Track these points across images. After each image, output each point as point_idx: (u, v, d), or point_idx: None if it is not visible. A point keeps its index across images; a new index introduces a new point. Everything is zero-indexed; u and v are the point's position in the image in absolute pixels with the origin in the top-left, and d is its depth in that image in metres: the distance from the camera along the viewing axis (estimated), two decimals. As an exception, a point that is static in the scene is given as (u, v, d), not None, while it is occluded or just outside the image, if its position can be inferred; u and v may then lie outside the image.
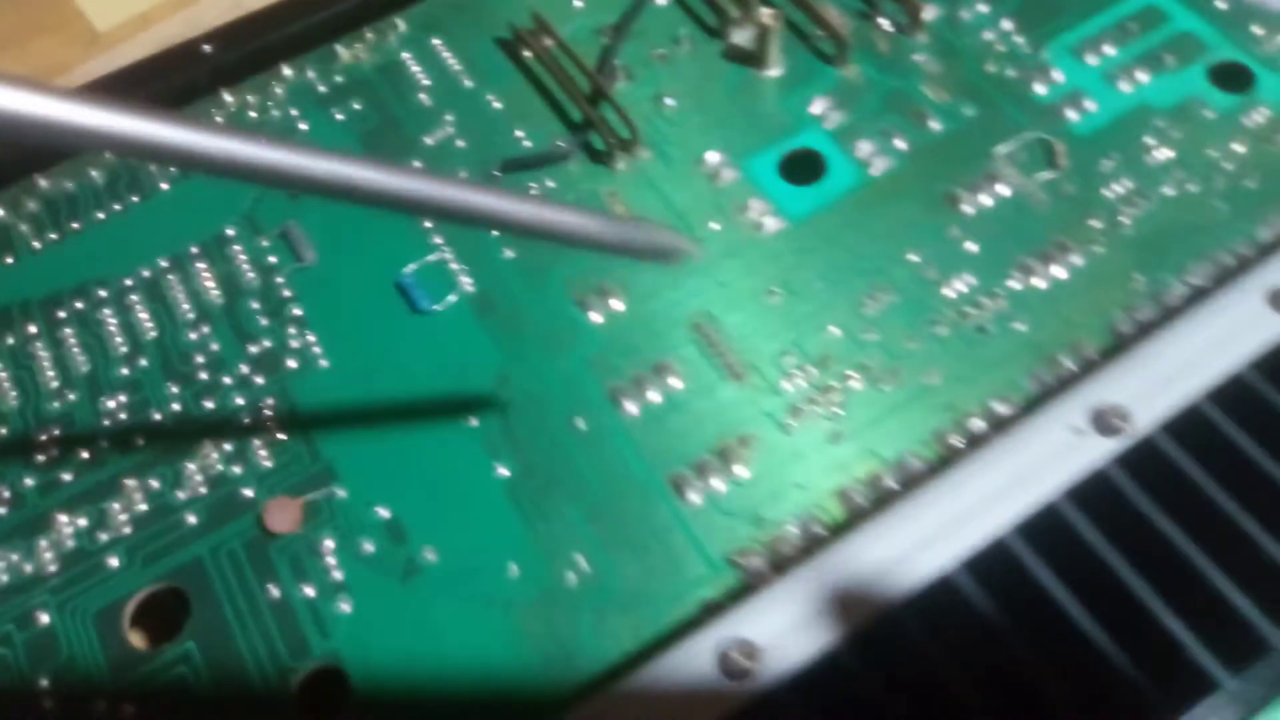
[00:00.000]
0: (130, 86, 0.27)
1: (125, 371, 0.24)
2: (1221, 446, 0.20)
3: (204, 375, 0.24)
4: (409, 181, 0.16)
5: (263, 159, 0.15)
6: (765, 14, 0.27)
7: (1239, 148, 0.26)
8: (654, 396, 0.23)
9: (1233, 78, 0.27)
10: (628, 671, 0.19)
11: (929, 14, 0.29)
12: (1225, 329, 0.21)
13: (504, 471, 0.22)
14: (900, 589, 0.19)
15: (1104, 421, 0.20)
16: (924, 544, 0.19)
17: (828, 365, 0.23)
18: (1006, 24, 0.28)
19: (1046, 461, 0.20)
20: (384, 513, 0.22)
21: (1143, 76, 0.27)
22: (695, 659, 0.18)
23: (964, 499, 0.20)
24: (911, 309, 0.24)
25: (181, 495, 0.23)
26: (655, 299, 0.24)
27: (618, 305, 0.24)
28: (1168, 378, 0.21)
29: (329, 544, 0.22)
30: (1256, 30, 0.28)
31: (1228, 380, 0.21)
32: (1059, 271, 0.24)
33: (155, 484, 0.23)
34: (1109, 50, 0.28)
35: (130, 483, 0.23)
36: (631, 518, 0.21)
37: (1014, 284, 0.24)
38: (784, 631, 0.19)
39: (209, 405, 0.24)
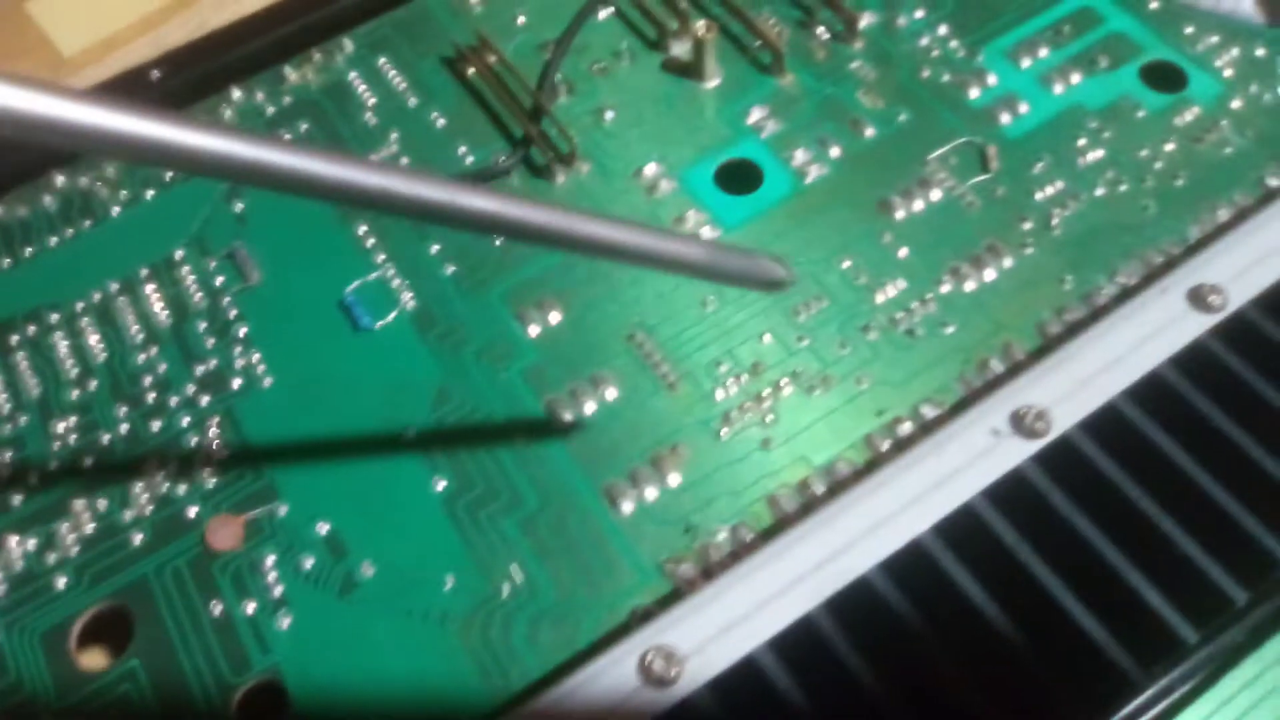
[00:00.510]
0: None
1: (76, 394, 0.25)
2: (1139, 445, 0.21)
3: (152, 397, 0.25)
4: (495, 204, 0.16)
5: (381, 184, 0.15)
6: (700, 26, 0.27)
7: (1169, 147, 0.26)
8: (590, 407, 0.23)
9: (1165, 77, 0.28)
10: (557, 681, 0.19)
11: (865, 21, 0.29)
12: (1146, 329, 0.22)
13: (442, 485, 0.23)
14: (820, 593, 0.19)
15: (1023, 423, 0.21)
16: (845, 547, 0.20)
17: (760, 373, 0.23)
18: (942, 29, 0.29)
19: (966, 464, 0.20)
20: (324, 528, 0.22)
21: (1076, 78, 0.28)
22: (619, 667, 0.19)
23: (884, 503, 0.20)
24: (843, 315, 0.24)
25: (129, 515, 0.23)
26: (593, 311, 0.25)
27: (555, 318, 0.25)
28: (1087, 378, 0.21)
29: (270, 560, 0.22)
30: (1188, 30, 0.28)
31: (1146, 379, 0.21)
32: (989, 274, 0.25)
33: (103, 504, 0.23)
34: (1043, 53, 0.28)
35: (79, 504, 0.23)
36: (566, 528, 0.22)
37: (945, 288, 0.24)
38: (707, 638, 0.19)
39: (156, 426, 0.24)
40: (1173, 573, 0.19)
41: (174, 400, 0.24)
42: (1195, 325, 0.22)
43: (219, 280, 0.26)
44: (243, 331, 0.25)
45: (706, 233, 0.26)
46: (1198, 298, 0.22)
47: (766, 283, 0.21)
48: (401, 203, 0.15)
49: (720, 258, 0.20)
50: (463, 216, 0.16)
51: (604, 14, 0.30)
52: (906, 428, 0.23)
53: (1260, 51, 0.28)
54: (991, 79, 0.28)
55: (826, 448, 0.22)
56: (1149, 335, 0.22)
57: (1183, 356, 0.22)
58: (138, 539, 0.23)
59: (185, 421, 0.24)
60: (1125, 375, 0.21)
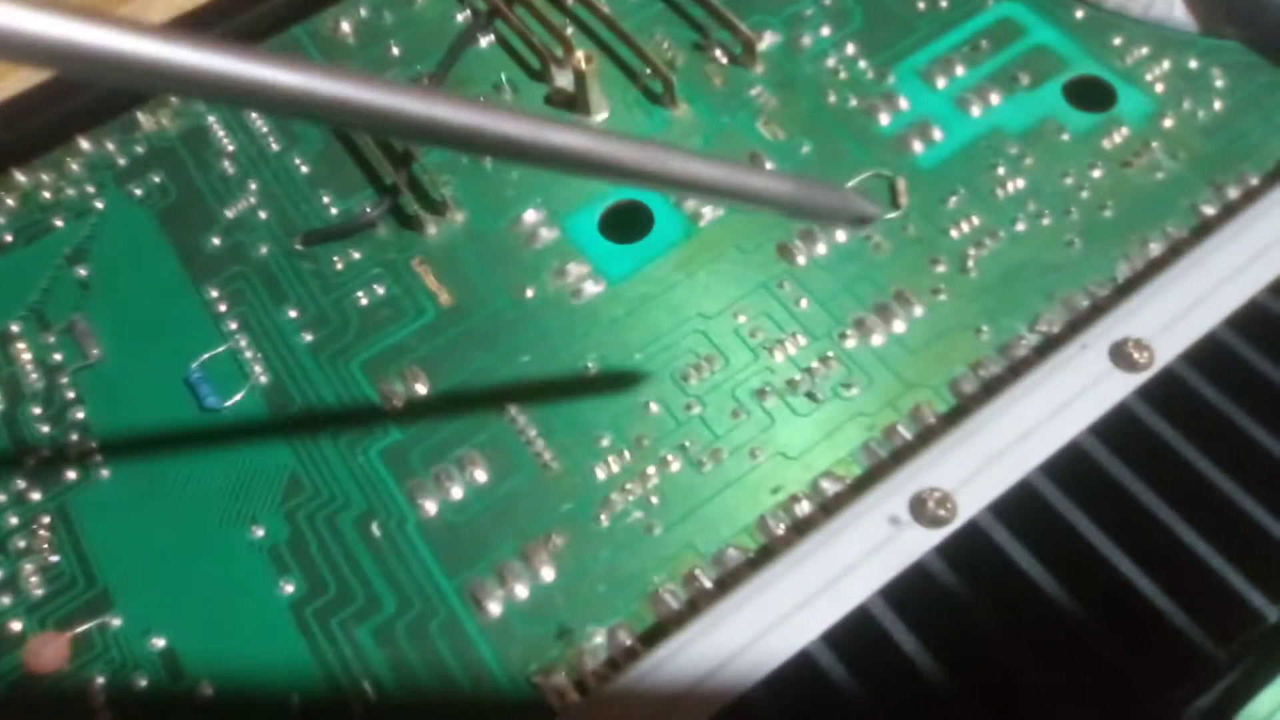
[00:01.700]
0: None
1: (-109, 494, 0.22)
2: (1055, 526, 0.19)
3: (-24, 494, 0.22)
4: (581, 140, 0.15)
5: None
6: (579, 58, 0.25)
7: (1096, 173, 0.24)
8: (455, 492, 0.21)
9: (1092, 94, 0.25)
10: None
11: (766, 42, 0.27)
12: (1066, 392, 0.19)
13: (289, 589, 0.20)
14: (701, 711, 0.17)
15: (925, 509, 0.18)
16: (731, 657, 0.18)
17: (644, 446, 0.21)
18: (850, 48, 0.26)
19: (863, 557, 0.18)
20: (160, 642, 0.20)
21: (995, 98, 0.25)
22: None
23: (773, 604, 0.18)
24: (737, 378, 0.22)
25: (-56, 635, 0.20)
26: (463, 381, 0.22)
27: (420, 389, 0.22)
28: (999, 452, 0.19)
29: (99, 682, 0.20)
30: (1116, 42, 0.26)
31: (1064, 450, 0.19)
32: (898, 325, 0.22)
33: (-84, 623, 0.21)
34: (959, 71, 0.26)
35: (-109, 622, 0.21)
36: (427, 636, 0.20)
37: (849, 343, 0.22)
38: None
39: (-22, 529, 0.22)
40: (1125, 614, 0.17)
41: (1, 496, 0.22)
42: (1119, 386, 0.19)
43: (57, 357, 0.24)
44: (80, 415, 0.23)
45: (589, 288, 0.23)
46: (1121, 354, 0.20)
47: (855, 218, 0.19)
48: (482, 138, 0.14)
49: (807, 193, 0.18)
50: (544, 153, 0.15)
51: (485, 42, 0.28)
52: (804, 508, 0.20)
53: (1193, 63, 0.26)
54: (903, 103, 0.25)
55: (715, 532, 0.20)
56: (1068, 400, 0.19)
57: (1105, 423, 0.19)
58: (-47, 661, 0.20)
59: (12, 521, 0.22)
60: (1040, 447, 0.19)
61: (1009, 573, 0.18)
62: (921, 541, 0.18)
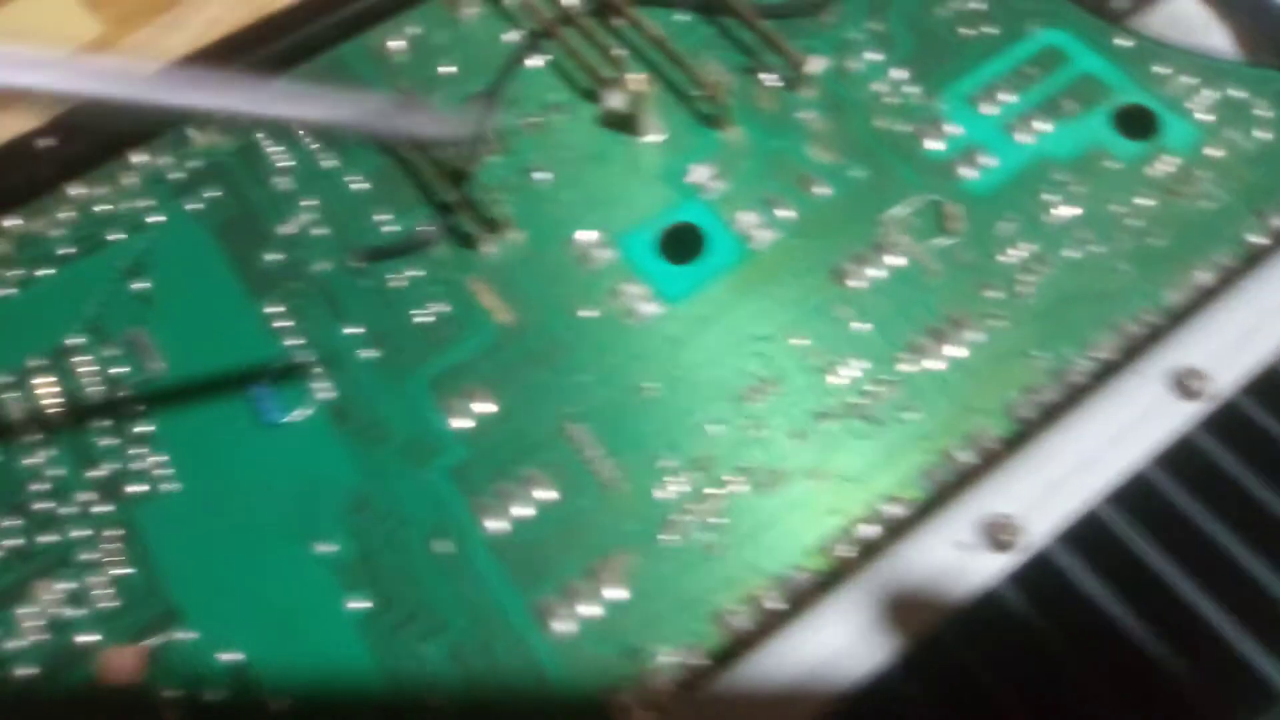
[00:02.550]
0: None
1: (-43, 506, 0.22)
2: (1125, 557, 0.19)
3: (42, 505, 0.22)
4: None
5: None
6: (636, 80, 0.25)
7: (1145, 201, 0.24)
8: (521, 511, 0.21)
9: (1137, 123, 0.26)
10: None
11: (815, 66, 0.27)
12: (1126, 421, 0.20)
13: (359, 605, 0.21)
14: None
15: (994, 534, 0.19)
16: (810, 676, 0.18)
17: (707, 468, 0.22)
18: (898, 73, 0.27)
19: (929, 580, 0.18)
20: (230, 657, 0.20)
21: (1043, 125, 0.26)
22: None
23: (849, 625, 0.18)
24: (797, 400, 0.22)
25: (13, 645, 0.21)
26: (525, 400, 0.23)
27: (485, 408, 0.23)
28: (1061, 480, 0.19)
29: (171, 695, 0.20)
30: (1160, 70, 0.26)
31: (1130, 480, 0.19)
32: (955, 350, 0.23)
33: (-15, 634, 0.21)
34: (1007, 98, 0.26)
35: (-41, 633, 0.21)
36: (494, 654, 0.20)
37: (906, 367, 0.22)
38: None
39: (48, 539, 0.22)
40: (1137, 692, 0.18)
41: (67, 510, 0.22)
42: (1179, 415, 0.20)
43: (118, 370, 0.24)
44: (144, 428, 0.23)
45: (647, 309, 0.24)
46: (1180, 383, 0.20)
47: (443, 140, 0.19)
48: None
49: (374, 119, 0.19)
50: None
51: (534, 62, 0.28)
52: (868, 531, 0.21)
53: (1237, 92, 0.26)
54: (952, 128, 0.26)
55: (780, 554, 0.21)
56: (1128, 430, 0.20)
57: (1170, 453, 0.20)
58: (24, 672, 0.20)
59: (82, 534, 0.22)
60: (1105, 477, 0.19)
61: (1073, 596, 0.19)
62: (989, 566, 0.18)
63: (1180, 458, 0.20)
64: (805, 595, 0.20)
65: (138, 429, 0.23)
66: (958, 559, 0.19)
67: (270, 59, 0.28)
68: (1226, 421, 0.20)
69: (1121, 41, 0.27)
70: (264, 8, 0.38)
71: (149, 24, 0.38)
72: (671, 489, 0.21)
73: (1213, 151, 0.25)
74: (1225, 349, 0.20)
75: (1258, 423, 0.20)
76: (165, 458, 0.23)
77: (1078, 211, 0.24)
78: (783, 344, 0.23)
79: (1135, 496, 0.19)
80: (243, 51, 0.28)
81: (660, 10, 0.28)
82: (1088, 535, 0.19)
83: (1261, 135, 0.25)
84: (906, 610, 0.18)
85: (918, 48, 0.27)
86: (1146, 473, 0.19)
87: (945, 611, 0.18)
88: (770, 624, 0.19)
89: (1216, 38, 0.27)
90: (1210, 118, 0.26)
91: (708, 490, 0.21)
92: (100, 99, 0.15)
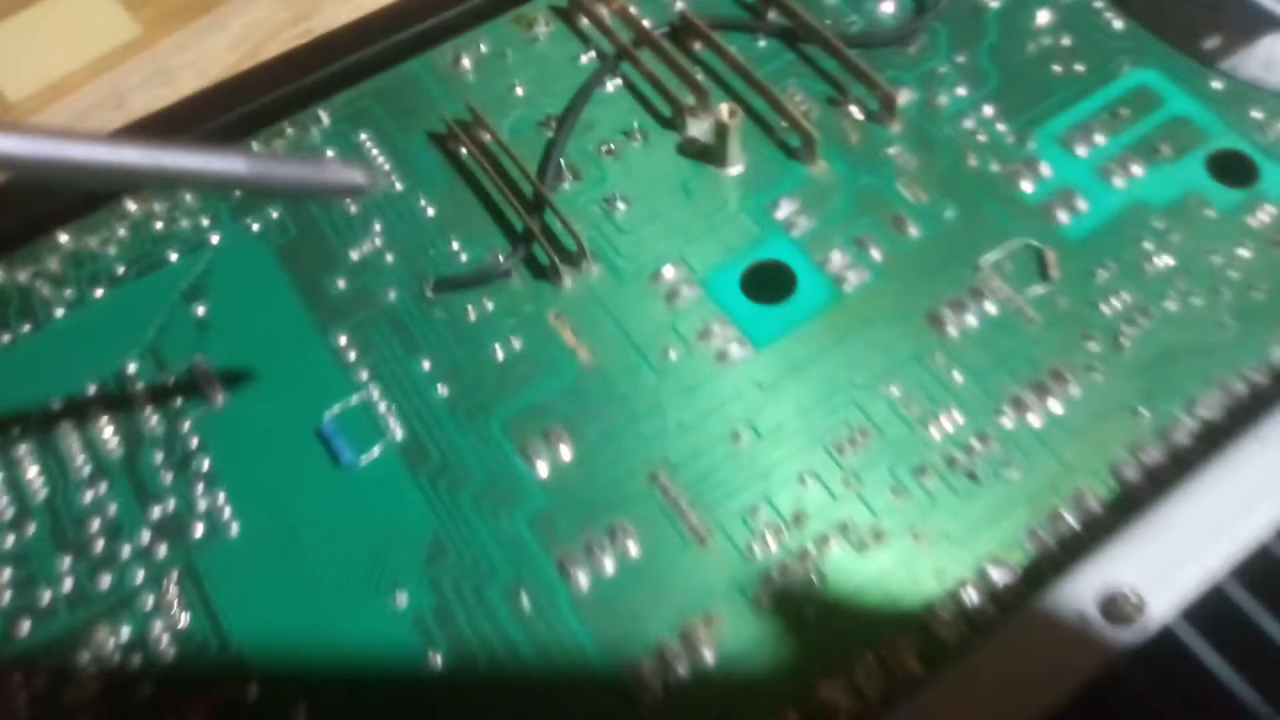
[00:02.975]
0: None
1: (10, 542, 0.21)
2: (1252, 635, 0.18)
3: (100, 545, 0.21)
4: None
5: None
6: (723, 110, 0.24)
7: (1244, 252, 0.24)
8: (607, 565, 0.20)
9: (1234, 169, 0.25)
10: None
11: (903, 98, 0.26)
12: (1250, 490, 0.19)
13: (438, 662, 0.20)
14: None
15: (1115, 609, 0.18)
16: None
17: (803, 524, 0.21)
18: (987, 109, 0.26)
19: (1050, 658, 0.18)
20: (299, 712, 0.19)
21: (1137, 169, 0.25)
22: None
23: (960, 705, 0.17)
24: (894, 453, 0.21)
25: (70, 695, 0.20)
26: (608, 445, 0.22)
27: (566, 453, 0.22)
28: (1184, 552, 0.18)
29: (240, 755, 0.19)
30: (1256, 115, 0.26)
31: (1254, 555, 0.19)
32: (1054, 405, 0.22)
33: (41, 681, 0.20)
34: (1099, 139, 0.25)
35: (14, 678, 0.20)
36: (585, 718, 0.19)
37: (1006, 421, 0.22)
38: None
39: (106, 582, 0.21)
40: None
41: (126, 550, 0.21)
42: (1302, 486, 0.19)
43: (178, 401, 0.23)
44: (205, 465, 0.22)
45: (735, 351, 0.23)
46: (1301, 453, 0.19)
47: (342, 190, 0.19)
48: None
49: (266, 170, 0.18)
50: None
51: (612, 85, 0.27)
52: (973, 596, 0.20)
53: (1335, 140, 0.25)
54: (1045, 169, 0.25)
55: (881, 622, 0.20)
56: (1252, 496, 0.19)
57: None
58: (82, 724, 0.19)
59: (139, 577, 0.21)
60: (1231, 547, 0.18)
61: (1197, 673, 0.18)
62: (1113, 641, 0.18)
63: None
64: (906, 676, 0.19)
65: (198, 465, 0.22)
66: (1075, 635, 0.18)
67: (328, 76, 0.27)
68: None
69: (1215, 83, 0.26)
70: (306, 14, 0.37)
71: (188, 25, 0.37)
72: (768, 545, 0.20)
73: (1313, 202, 0.24)
74: (1349, 417, 0.20)
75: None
76: (225, 496, 0.22)
77: (1176, 261, 0.24)
78: (878, 392, 0.22)
79: (1258, 571, 0.19)
80: (301, 69, 0.27)
81: (741, 35, 0.27)
82: (1211, 611, 0.18)
83: (1362, 186, 0.24)
84: (1021, 690, 0.17)
85: (1006, 83, 0.26)
86: (1272, 546, 0.19)
87: (1062, 692, 0.17)
88: (869, 693, 0.18)
89: (1311, 82, 0.26)
90: (1309, 166, 0.25)
91: (805, 547, 0.20)
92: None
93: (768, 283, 0.24)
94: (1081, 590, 0.18)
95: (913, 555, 0.20)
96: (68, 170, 0.15)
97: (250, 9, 0.37)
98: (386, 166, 0.26)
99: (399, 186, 0.26)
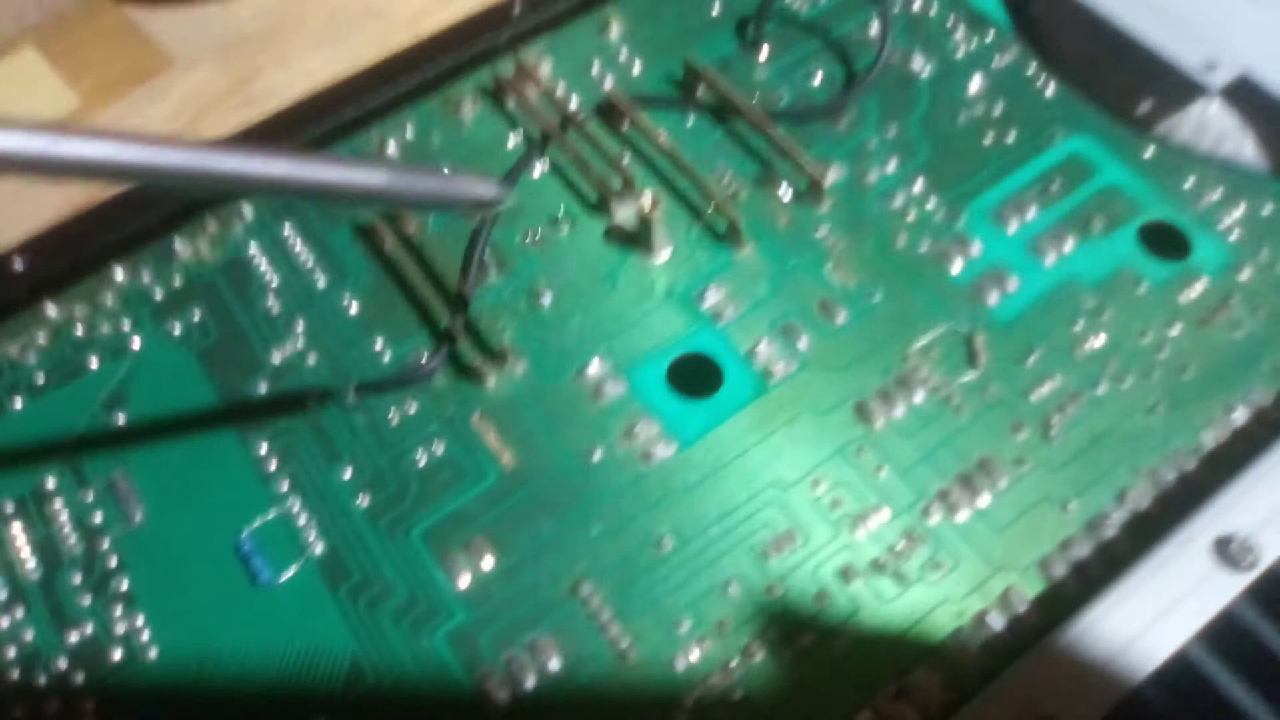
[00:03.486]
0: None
1: (-76, 672, 0.21)
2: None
3: (15, 674, 0.21)
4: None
5: None
6: (646, 201, 0.24)
7: (1175, 331, 0.23)
8: (529, 681, 0.20)
9: (1167, 241, 0.25)
10: None
11: (832, 176, 0.26)
12: (1172, 595, 0.19)
13: (357, 792, 0.19)
14: None
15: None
16: None
17: (725, 633, 0.20)
18: (918, 184, 0.26)
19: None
20: None
21: (1069, 244, 0.25)
22: None
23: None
24: (821, 557, 0.21)
25: (-15, 836, 0.19)
26: (530, 554, 0.21)
27: (488, 563, 0.21)
28: (1105, 661, 0.18)
29: None
30: (1188, 184, 0.25)
31: (1173, 658, 0.18)
32: (982, 500, 0.22)
33: (-45, 822, 0.19)
34: (1031, 213, 0.25)
35: (-73, 818, 0.20)
36: None
37: (933, 519, 0.21)
38: None
39: (19, 715, 0.20)
40: None
41: (42, 679, 0.21)
42: (1227, 589, 0.19)
43: (97, 518, 0.22)
44: (124, 585, 0.22)
45: (660, 450, 0.22)
46: (1223, 553, 0.19)
47: (472, 203, 0.19)
48: None
49: (407, 181, 0.18)
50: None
51: (539, 170, 0.27)
52: (901, 710, 0.19)
53: (1267, 209, 0.25)
54: (975, 248, 0.25)
55: (804, 733, 0.19)
56: (1173, 605, 0.19)
57: (1214, 628, 0.19)
58: None
59: (54, 708, 0.20)
60: (1146, 658, 0.18)
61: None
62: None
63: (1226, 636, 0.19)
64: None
65: (116, 586, 0.22)
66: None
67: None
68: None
69: (1147, 152, 0.26)
70: (245, 79, 0.37)
71: (126, 96, 0.37)
72: (690, 657, 0.20)
73: (1245, 275, 0.24)
74: (1271, 512, 0.19)
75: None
76: (144, 618, 0.21)
77: (1107, 340, 0.23)
78: (804, 491, 0.22)
79: (1178, 675, 0.18)
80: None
81: (669, 112, 0.27)
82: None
83: (1294, 256, 0.24)
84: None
85: (937, 155, 0.26)
86: (1189, 652, 0.18)
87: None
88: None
89: (1246, 144, 0.26)
90: (1240, 234, 0.25)
91: (730, 661, 0.20)
92: (146, 171, 0.15)
93: (694, 376, 0.23)
94: (1002, 707, 0.18)
95: (837, 663, 0.20)
96: (220, 179, 0.16)
97: (188, 78, 0.37)
98: (309, 262, 0.26)
99: (321, 284, 0.25)
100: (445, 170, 0.19)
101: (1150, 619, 0.19)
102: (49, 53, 0.36)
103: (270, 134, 0.27)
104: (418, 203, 0.18)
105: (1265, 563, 0.19)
